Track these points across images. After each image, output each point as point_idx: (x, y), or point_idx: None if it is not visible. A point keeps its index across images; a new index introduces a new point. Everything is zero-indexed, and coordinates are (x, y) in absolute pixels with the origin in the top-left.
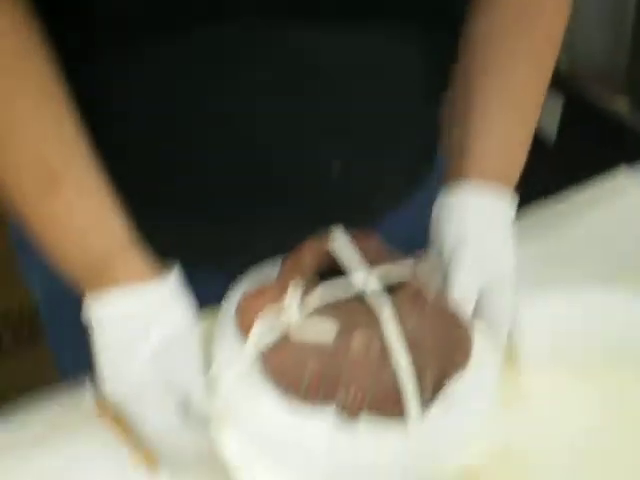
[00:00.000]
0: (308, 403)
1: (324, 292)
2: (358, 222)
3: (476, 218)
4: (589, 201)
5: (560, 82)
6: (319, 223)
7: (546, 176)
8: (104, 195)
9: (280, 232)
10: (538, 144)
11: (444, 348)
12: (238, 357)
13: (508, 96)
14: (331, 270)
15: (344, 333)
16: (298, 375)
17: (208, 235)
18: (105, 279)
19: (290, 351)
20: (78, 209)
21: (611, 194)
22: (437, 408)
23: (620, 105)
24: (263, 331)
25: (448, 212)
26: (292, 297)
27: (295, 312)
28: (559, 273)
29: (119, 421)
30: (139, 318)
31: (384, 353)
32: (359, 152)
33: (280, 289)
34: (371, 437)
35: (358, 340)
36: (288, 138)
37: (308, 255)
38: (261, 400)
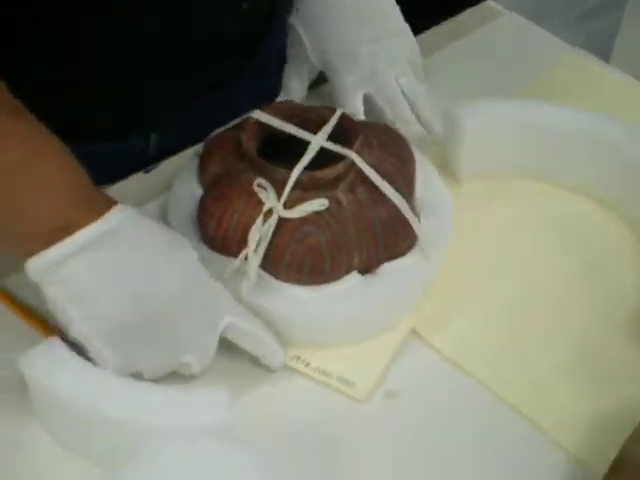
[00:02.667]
0: (333, 274)
1: (295, 173)
2: None
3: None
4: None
5: None
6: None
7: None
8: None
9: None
10: None
11: (404, 173)
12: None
13: None
14: (267, 148)
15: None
16: (316, 256)
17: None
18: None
19: (294, 236)
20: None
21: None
22: None
23: None
24: (256, 233)
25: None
26: (268, 192)
27: (280, 203)
28: None
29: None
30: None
31: (371, 195)
32: None
33: (242, 188)
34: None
35: (341, 196)
36: None
37: (246, 140)
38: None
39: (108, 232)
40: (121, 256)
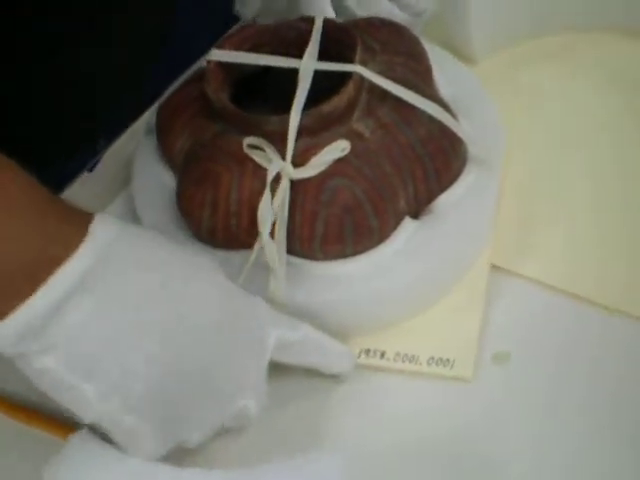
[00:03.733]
0: (383, 230)
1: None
2: None
3: None
4: None
5: None
6: None
7: None
8: None
9: None
10: None
11: (421, 72)
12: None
13: None
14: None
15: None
16: (356, 214)
17: None
18: None
19: (319, 199)
20: None
21: None
22: None
23: None
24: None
25: None
26: (266, 151)
27: (287, 162)
28: None
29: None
30: None
31: (398, 113)
32: None
33: (228, 156)
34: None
35: (361, 126)
36: None
37: (212, 91)
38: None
39: (105, 256)
40: (131, 288)
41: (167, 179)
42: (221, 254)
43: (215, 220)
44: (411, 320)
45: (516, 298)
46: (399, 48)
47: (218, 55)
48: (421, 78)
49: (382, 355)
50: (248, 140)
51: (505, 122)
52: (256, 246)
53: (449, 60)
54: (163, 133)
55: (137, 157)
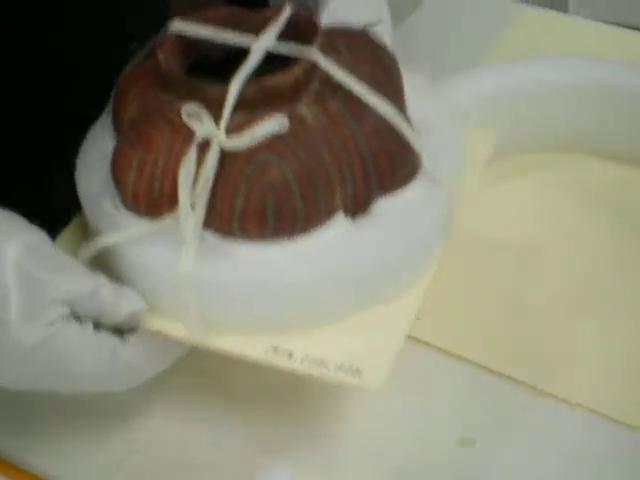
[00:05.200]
0: (309, 218)
1: (235, 85)
2: None
3: None
4: None
5: None
6: None
7: None
8: None
9: None
10: None
11: (387, 85)
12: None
13: None
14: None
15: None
16: (281, 193)
17: None
18: None
19: (245, 172)
20: None
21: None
22: None
23: None
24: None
25: None
26: (201, 117)
27: (220, 129)
28: None
29: None
30: None
31: (348, 107)
32: None
33: (165, 122)
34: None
35: (305, 111)
36: None
37: (166, 59)
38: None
39: None
40: None
41: (110, 147)
42: (144, 223)
43: (139, 185)
44: (328, 325)
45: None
46: (368, 56)
47: (178, 26)
48: (385, 90)
49: (290, 355)
50: (186, 107)
51: None
52: (174, 213)
53: (424, 85)
54: (116, 102)
55: (93, 127)
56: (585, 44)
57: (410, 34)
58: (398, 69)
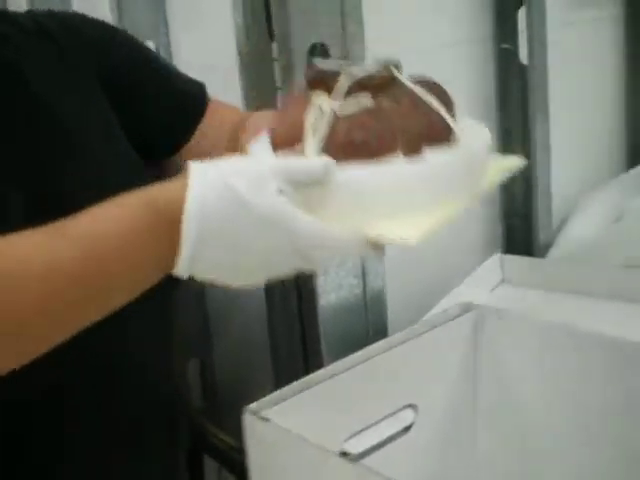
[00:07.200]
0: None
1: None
2: None
3: None
4: None
5: None
6: None
7: None
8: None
9: None
10: None
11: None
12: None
13: None
14: None
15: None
16: (364, 139)
17: None
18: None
19: (347, 124)
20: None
21: None
22: None
23: None
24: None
25: None
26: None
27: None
28: None
29: None
30: None
31: (412, 103)
32: None
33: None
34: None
35: (384, 101)
36: None
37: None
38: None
39: None
40: None
41: None
42: None
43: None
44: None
45: None
46: (434, 90)
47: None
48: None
49: None
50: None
51: None
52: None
53: (472, 124)
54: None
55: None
56: None
57: None
58: (454, 104)
